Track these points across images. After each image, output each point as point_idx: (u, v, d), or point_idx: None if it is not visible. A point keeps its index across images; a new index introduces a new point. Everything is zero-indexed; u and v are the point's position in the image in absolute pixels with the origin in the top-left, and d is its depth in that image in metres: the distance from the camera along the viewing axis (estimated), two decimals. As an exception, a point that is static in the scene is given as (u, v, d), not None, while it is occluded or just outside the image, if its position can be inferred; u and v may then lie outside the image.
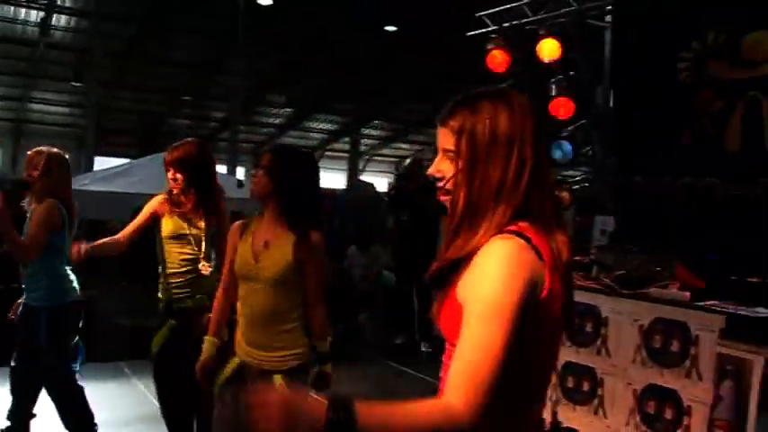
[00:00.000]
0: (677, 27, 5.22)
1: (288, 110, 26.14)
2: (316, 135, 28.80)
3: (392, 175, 30.58)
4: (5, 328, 4.14)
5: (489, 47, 6.59)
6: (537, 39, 6.12)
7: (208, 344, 2.96)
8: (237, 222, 2.96)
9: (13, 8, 18.23)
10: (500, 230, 1.41)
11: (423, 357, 6.90)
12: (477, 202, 1.44)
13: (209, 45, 20.81)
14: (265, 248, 2.76)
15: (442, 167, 1.51)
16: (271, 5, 18.10)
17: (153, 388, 5.20)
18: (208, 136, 27.02)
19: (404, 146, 30.52)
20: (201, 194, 3.55)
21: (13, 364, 3.85)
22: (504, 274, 1.34)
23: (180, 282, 3.58)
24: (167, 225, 3.59)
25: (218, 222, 3.58)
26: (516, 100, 1.49)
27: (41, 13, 18.53)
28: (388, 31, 19.10)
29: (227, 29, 18.76)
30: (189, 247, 3.57)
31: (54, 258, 3.73)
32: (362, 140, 30.35)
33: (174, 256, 3.58)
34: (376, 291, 7.96)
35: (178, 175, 3.52)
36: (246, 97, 21.32)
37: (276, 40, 19.97)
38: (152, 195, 9.61)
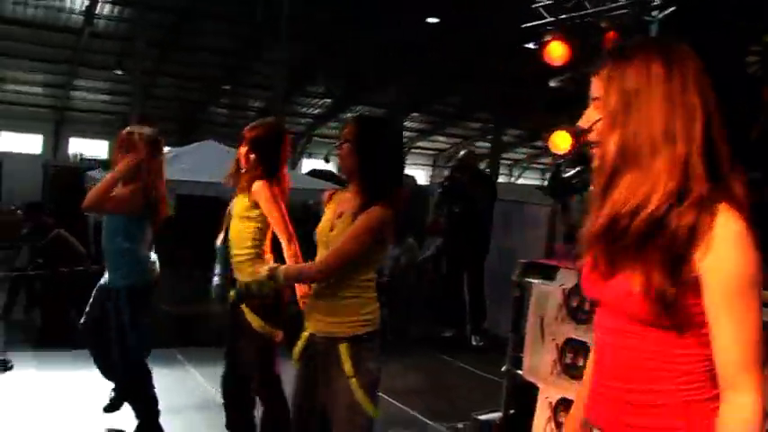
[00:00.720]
0: (747, 20, 5.06)
1: (326, 100, 26.15)
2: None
3: (429, 168, 30.49)
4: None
5: (547, 38, 6.43)
6: (601, 31, 5.97)
7: None
8: (331, 190, 2.99)
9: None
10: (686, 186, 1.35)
11: (473, 351, 6.82)
12: (635, 150, 1.38)
13: (249, 33, 20.87)
14: (338, 218, 2.76)
15: (591, 117, 1.48)
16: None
17: (208, 375, 5.33)
18: (246, 125, 27.14)
19: (441, 138, 30.40)
20: (265, 176, 3.51)
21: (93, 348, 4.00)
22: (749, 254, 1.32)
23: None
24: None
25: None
26: (673, 47, 1.45)
27: (86, 2, 18.74)
28: (429, 23, 18.99)
29: (266, 18, 18.83)
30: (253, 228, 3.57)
31: (133, 243, 3.84)
32: (400, 132, 30.25)
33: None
34: (401, 285, 7.87)
35: (250, 155, 3.52)
36: (284, 87, 21.34)
37: (315, 30, 19.98)
38: (198, 183, 9.69)
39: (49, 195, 14.03)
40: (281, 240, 3.50)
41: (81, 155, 21.42)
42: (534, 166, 34.99)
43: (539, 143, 31.57)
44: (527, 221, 7.70)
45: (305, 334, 2.82)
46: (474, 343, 6.89)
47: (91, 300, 4.10)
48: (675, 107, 1.37)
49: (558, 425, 4.05)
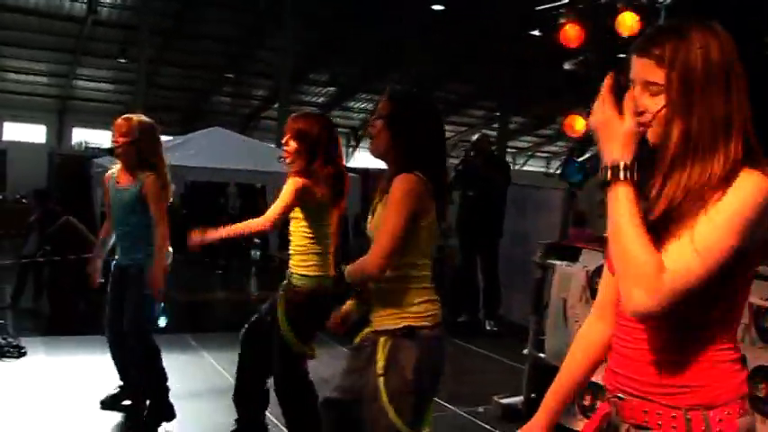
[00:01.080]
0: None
1: (331, 89, 26.04)
2: (359, 115, 28.66)
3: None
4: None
5: (562, 20, 6.34)
6: (616, 11, 5.89)
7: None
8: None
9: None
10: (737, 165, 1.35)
11: (487, 335, 6.76)
12: (699, 136, 1.37)
13: (252, 21, 20.78)
14: (380, 204, 2.54)
15: (645, 103, 1.41)
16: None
17: (222, 361, 5.29)
18: (249, 114, 27.11)
19: (446, 127, 30.28)
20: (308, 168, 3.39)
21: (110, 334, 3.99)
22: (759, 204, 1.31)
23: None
24: None
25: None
26: (721, 30, 1.42)
27: (89, -10, 18.66)
28: (434, 10, 18.86)
29: (269, 5, 18.73)
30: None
31: (148, 222, 3.92)
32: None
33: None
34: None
35: (292, 143, 3.39)
36: (289, 74, 21.27)
37: (319, 17, 19.89)
38: (206, 169, 9.63)
39: (55, 184, 13.99)
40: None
41: (86, 143, 21.39)
42: (538, 154, 34.91)
43: (544, 131, 31.55)
44: (540, 206, 7.64)
45: (367, 330, 2.57)
46: (488, 328, 6.83)
47: (109, 287, 4.07)
48: (731, 94, 1.38)
49: (582, 408, 4.00)
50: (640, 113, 1.41)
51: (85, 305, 7.40)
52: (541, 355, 4.33)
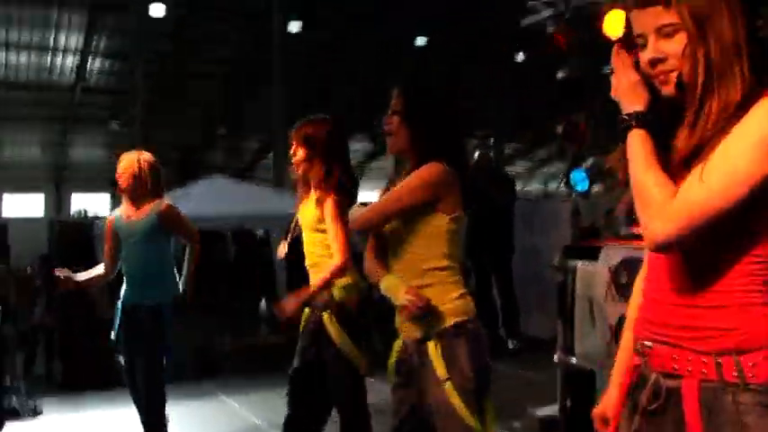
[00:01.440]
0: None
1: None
2: (355, 155, 28.68)
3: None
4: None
5: (550, 30, 6.34)
6: (602, 13, 5.89)
7: None
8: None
9: (49, 57, 18.55)
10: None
11: (508, 354, 6.61)
12: (720, 62, 1.37)
13: (241, 76, 20.96)
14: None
15: (663, 48, 1.42)
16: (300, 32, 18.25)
17: (245, 404, 5.16)
18: (244, 167, 27.18)
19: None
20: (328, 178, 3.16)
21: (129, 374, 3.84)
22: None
23: None
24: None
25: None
26: None
27: (76, 60, 18.84)
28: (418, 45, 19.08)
29: (258, 58, 18.92)
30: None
31: (167, 258, 3.91)
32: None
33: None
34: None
35: (300, 152, 3.20)
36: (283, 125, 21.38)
37: (307, 66, 20.07)
38: (206, 217, 9.46)
39: (56, 250, 13.95)
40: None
41: (85, 211, 21.38)
42: (536, 176, 34.91)
43: (540, 153, 31.69)
44: (548, 220, 7.58)
45: (398, 342, 2.46)
46: (511, 346, 6.68)
47: (119, 331, 3.91)
48: (736, 20, 1.38)
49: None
50: (661, 61, 1.42)
51: (97, 362, 7.30)
52: (573, 360, 4.21)
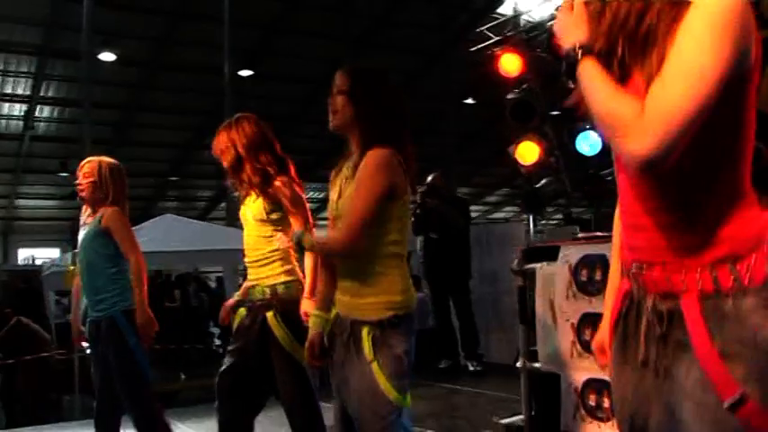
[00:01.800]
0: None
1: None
2: (313, 204, 28.54)
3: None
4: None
5: (498, 50, 6.39)
6: (550, 35, 6.00)
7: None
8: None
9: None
10: None
11: (471, 375, 6.52)
12: None
13: (195, 124, 20.84)
14: (345, 183, 2.41)
15: None
16: (252, 76, 18.31)
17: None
18: (197, 216, 26.86)
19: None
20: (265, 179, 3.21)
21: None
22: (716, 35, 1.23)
23: None
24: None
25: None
26: None
27: (24, 107, 18.53)
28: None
29: (208, 105, 18.85)
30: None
31: (119, 265, 3.60)
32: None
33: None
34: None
35: (224, 162, 3.27)
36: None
37: (259, 112, 20.04)
38: (158, 253, 9.35)
39: (3, 297, 13.60)
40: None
41: (33, 258, 20.85)
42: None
43: (490, 198, 31.97)
44: (503, 241, 7.57)
45: (332, 314, 2.45)
46: (471, 368, 6.58)
47: (90, 349, 3.72)
48: None
49: (589, 410, 3.81)
50: None
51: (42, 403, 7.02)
52: (536, 365, 4.15)
